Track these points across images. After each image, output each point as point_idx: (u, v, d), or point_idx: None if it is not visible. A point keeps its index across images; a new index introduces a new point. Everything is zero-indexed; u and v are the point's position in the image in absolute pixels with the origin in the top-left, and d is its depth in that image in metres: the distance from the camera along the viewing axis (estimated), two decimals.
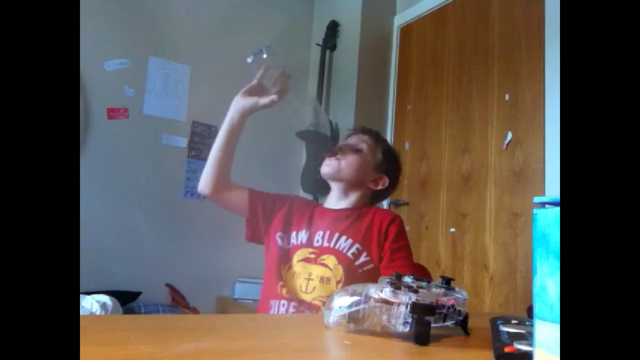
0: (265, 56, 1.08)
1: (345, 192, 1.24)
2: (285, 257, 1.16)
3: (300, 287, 1.11)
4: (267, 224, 1.22)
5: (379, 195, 1.30)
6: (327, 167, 1.22)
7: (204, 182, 1.19)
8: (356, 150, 1.23)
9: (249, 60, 1.08)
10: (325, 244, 1.14)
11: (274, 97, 1.10)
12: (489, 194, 2.06)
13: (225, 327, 0.64)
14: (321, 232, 1.16)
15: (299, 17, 3.14)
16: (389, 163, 1.27)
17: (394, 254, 1.14)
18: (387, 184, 1.25)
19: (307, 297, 1.09)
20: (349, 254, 1.12)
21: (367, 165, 1.23)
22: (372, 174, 1.24)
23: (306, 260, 1.13)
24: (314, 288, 1.09)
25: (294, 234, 1.19)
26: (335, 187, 1.26)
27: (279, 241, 1.18)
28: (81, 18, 2.28)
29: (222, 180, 1.19)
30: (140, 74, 2.62)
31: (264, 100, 1.11)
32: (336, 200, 1.25)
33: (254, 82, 1.12)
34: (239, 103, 1.14)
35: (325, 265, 1.11)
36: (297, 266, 1.13)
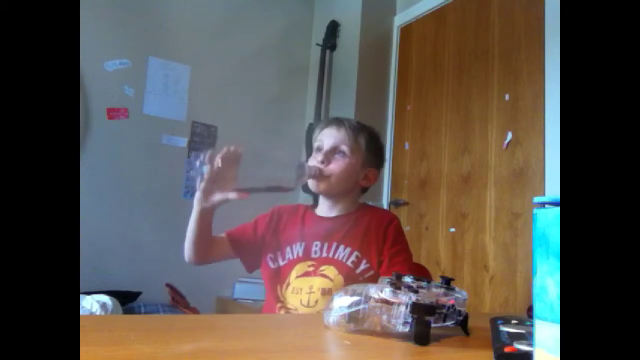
0: (205, 167, 0.99)
1: (337, 199, 1.20)
2: (279, 277, 1.13)
3: (301, 301, 1.08)
4: (259, 252, 1.19)
5: (367, 187, 1.26)
6: (316, 186, 1.15)
7: (187, 256, 1.15)
8: (340, 153, 1.15)
9: (196, 177, 1.01)
10: (324, 255, 1.12)
11: (241, 194, 1.00)
12: (489, 194, 2.06)
13: (225, 327, 0.65)
14: (318, 243, 1.13)
15: (299, 17, 3.14)
16: (373, 153, 1.21)
17: (394, 258, 1.12)
18: (377, 175, 1.22)
19: (309, 312, 1.07)
20: (349, 262, 1.10)
21: (355, 168, 1.17)
22: (362, 173, 1.19)
23: (306, 274, 1.11)
24: (316, 301, 1.07)
25: (288, 249, 1.15)
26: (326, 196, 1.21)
27: (270, 263, 1.15)
28: (81, 18, 2.28)
29: (204, 253, 1.16)
30: (140, 74, 2.62)
31: (232, 195, 1.01)
32: (328, 208, 1.21)
33: (206, 184, 1.01)
34: (206, 204, 1.04)
35: (326, 276, 1.09)
36: (297, 282, 1.11)
